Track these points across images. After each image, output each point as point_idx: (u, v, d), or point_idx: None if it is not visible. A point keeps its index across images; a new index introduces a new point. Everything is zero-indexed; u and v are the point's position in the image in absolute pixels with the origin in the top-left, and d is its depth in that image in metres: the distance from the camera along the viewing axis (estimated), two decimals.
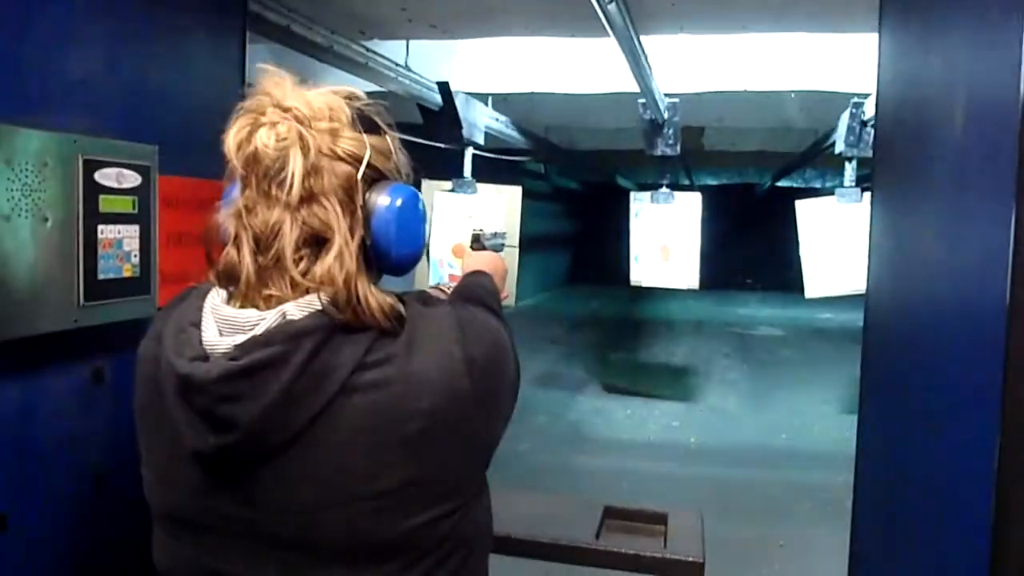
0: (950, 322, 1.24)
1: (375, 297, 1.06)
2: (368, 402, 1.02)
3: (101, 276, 1.75)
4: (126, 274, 1.82)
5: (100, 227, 1.75)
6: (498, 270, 1.67)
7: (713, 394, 8.40)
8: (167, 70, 2.00)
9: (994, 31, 1.11)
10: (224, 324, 1.05)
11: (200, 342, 1.05)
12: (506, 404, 1.17)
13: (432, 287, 1.77)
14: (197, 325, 1.06)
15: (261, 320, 1.03)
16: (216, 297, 1.08)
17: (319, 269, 1.04)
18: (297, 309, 1.03)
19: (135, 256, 1.84)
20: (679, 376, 9.36)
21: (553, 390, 8.31)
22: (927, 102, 1.37)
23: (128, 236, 1.81)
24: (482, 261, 1.67)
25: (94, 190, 1.73)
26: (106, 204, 1.76)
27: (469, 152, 5.04)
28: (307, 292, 1.04)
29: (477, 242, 1.83)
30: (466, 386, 1.07)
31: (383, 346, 1.05)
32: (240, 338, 1.03)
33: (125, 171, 1.80)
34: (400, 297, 1.13)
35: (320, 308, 1.03)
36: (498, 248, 1.85)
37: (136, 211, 1.83)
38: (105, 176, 1.75)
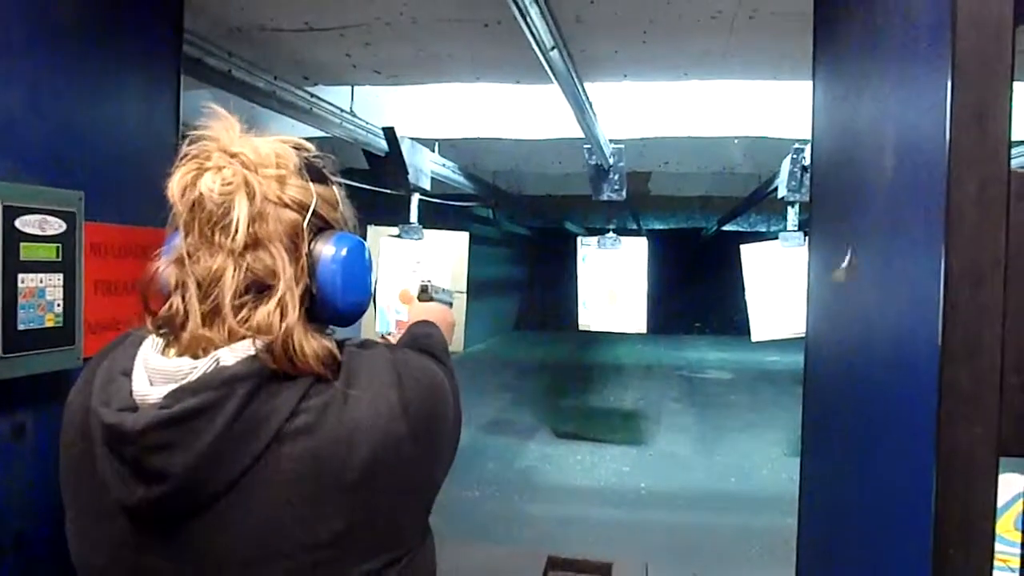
0: (885, 365, 1.26)
1: (311, 344, 1.05)
2: (304, 449, 1.01)
3: (21, 327, 1.70)
4: (49, 324, 1.76)
5: (21, 276, 1.69)
6: (445, 321, 1.68)
7: (663, 438, 8.43)
8: (94, 113, 1.95)
9: (920, 78, 1.15)
10: (155, 374, 1.03)
11: (130, 392, 1.03)
12: (446, 448, 1.16)
13: (382, 338, 1.77)
14: (128, 374, 1.05)
15: (193, 369, 1.01)
16: (151, 346, 1.06)
17: (258, 316, 1.03)
18: (231, 355, 1.02)
19: (58, 305, 1.78)
20: (629, 421, 9.38)
21: (503, 436, 8.28)
22: (859, 148, 1.41)
23: (51, 285, 1.76)
24: (429, 312, 1.67)
25: (15, 237, 1.68)
26: (27, 252, 1.71)
27: (415, 198, 5.04)
28: (243, 339, 1.03)
29: (425, 293, 1.83)
30: (403, 430, 1.06)
31: (319, 392, 1.04)
32: (172, 387, 1.01)
33: (49, 218, 1.75)
34: (339, 343, 1.12)
35: (254, 354, 1.02)
36: (446, 301, 1.86)
37: (60, 259, 1.78)
38: (26, 223, 1.70)
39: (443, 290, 1.91)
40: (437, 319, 1.62)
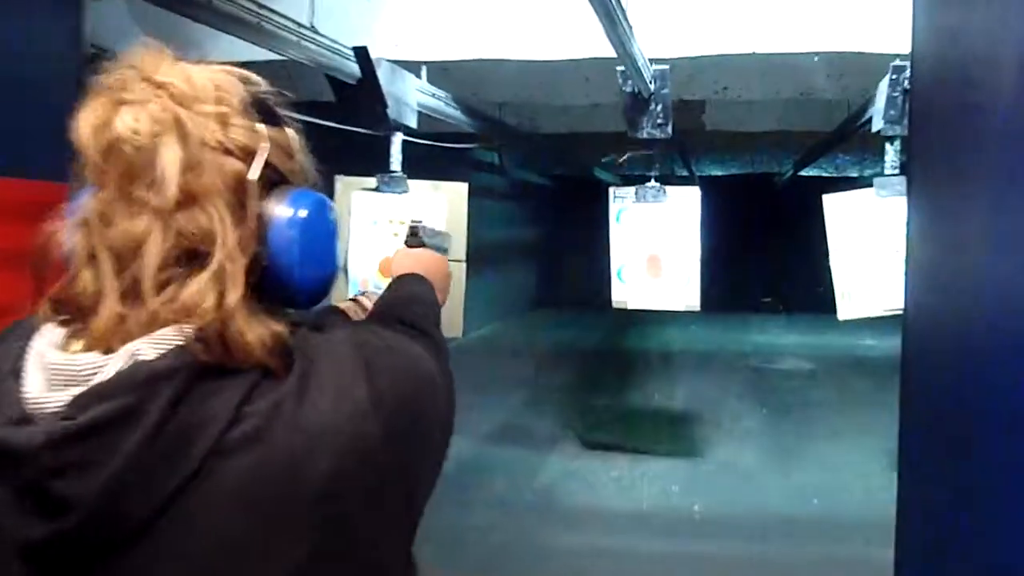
0: (1015, 350, 1.25)
1: (255, 330, 1.06)
2: (251, 463, 1.02)
3: None
4: None
5: None
6: (439, 273, 1.69)
7: (723, 448, 8.45)
8: None
9: None
10: (54, 375, 1.03)
11: (21, 399, 1.02)
12: (432, 454, 1.19)
13: (350, 300, 1.77)
14: (17, 375, 1.04)
15: (104, 366, 1.01)
16: (48, 338, 1.06)
17: (187, 294, 1.04)
18: (151, 347, 1.02)
19: None
20: (679, 425, 9.39)
21: (516, 447, 8.31)
22: (972, 63, 1.40)
23: None
24: (419, 262, 1.68)
25: None
26: None
27: (398, 138, 5.02)
28: (169, 325, 1.03)
29: (415, 237, 1.84)
30: (374, 432, 1.08)
31: (267, 390, 1.05)
32: (76, 391, 1.01)
33: None
34: (294, 323, 1.13)
35: (181, 344, 1.02)
36: (440, 249, 1.86)
37: None
38: None
39: (439, 233, 1.92)
40: (428, 270, 1.63)
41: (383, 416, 1.09)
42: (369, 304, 1.67)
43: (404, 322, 1.29)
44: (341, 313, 1.63)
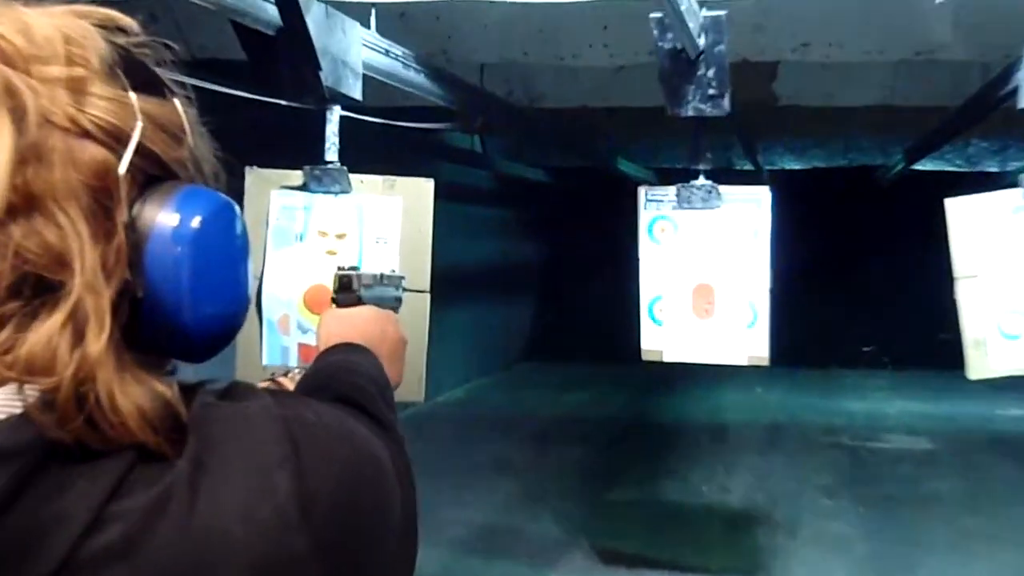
0: None
1: (131, 393, 1.05)
2: None
3: None
4: None
5: None
6: (387, 341, 1.69)
7: (804, 563, 8.45)
8: None
9: None
10: None
11: None
12: (385, 572, 1.17)
13: (268, 379, 1.78)
14: None
15: None
16: None
17: (31, 342, 1.02)
18: None
19: None
20: (738, 531, 9.39)
21: (501, 561, 8.33)
22: None
23: None
24: (356, 328, 1.68)
25: None
26: None
27: (335, 115, 5.04)
28: (1, 384, 1.02)
29: (346, 291, 1.84)
30: (301, 547, 1.08)
31: (145, 482, 1.04)
32: None
33: None
34: (186, 389, 1.12)
35: (20, 412, 1.01)
36: (387, 302, 1.87)
37: None
38: None
39: (382, 280, 1.92)
40: (370, 338, 1.63)
41: (315, 524, 1.08)
42: (291, 386, 1.68)
43: (345, 399, 1.28)
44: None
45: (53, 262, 1.03)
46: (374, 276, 1.92)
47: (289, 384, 1.72)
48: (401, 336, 1.79)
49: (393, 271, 2.26)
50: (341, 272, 1.89)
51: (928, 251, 6.34)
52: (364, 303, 1.84)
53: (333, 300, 1.88)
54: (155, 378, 1.08)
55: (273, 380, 1.78)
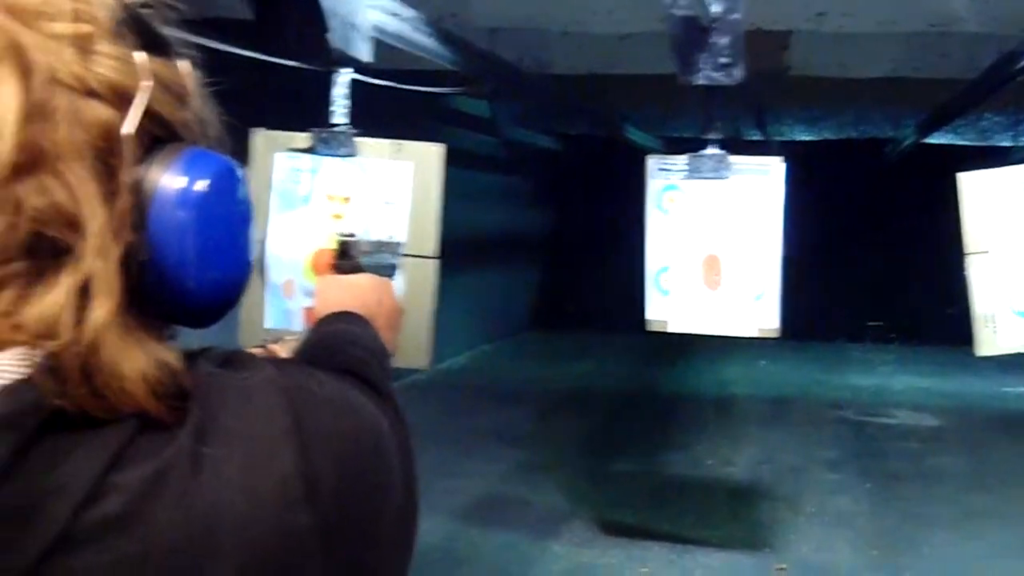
0: None
1: (135, 360, 1.04)
2: (115, 561, 1.00)
3: None
4: None
5: None
6: (385, 308, 1.68)
7: (807, 538, 8.47)
8: None
9: None
10: None
11: None
12: (389, 546, 1.19)
13: (259, 346, 1.77)
14: None
15: None
16: None
17: (33, 303, 1.01)
18: None
19: None
20: (741, 504, 9.43)
21: (504, 530, 8.35)
22: None
23: None
24: (354, 294, 1.68)
25: None
26: None
27: (343, 77, 5.02)
28: (5, 348, 1.01)
29: (345, 257, 1.84)
30: (304, 523, 1.07)
31: (147, 451, 1.03)
32: None
33: None
34: (189, 355, 1.12)
35: (23, 377, 1.00)
36: (385, 270, 1.86)
37: None
38: None
39: (379, 244, 1.92)
40: (367, 306, 1.62)
41: (317, 498, 1.08)
42: (284, 353, 1.67)
43: (345, 369, 1.28)
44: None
45: (62, 222, 1.02)
46: (373, 243, 1.92)
47: (281, 351, 1.72)
48: (397, 305, 1.79)
49: (391, 238, 2.26)
50: (342, 238, 1.89)
51: (937, 225, 6.32)
52: (364, 270, 1.84)
53: (335, 263, 1.88)
54: (159, 344, 1.08)
55: (264, 347, 1.78)
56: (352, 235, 1.88)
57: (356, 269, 1.83)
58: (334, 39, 4.92)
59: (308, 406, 1.12)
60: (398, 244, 1.97)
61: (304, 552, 1.06)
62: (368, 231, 1.86)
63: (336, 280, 1.78)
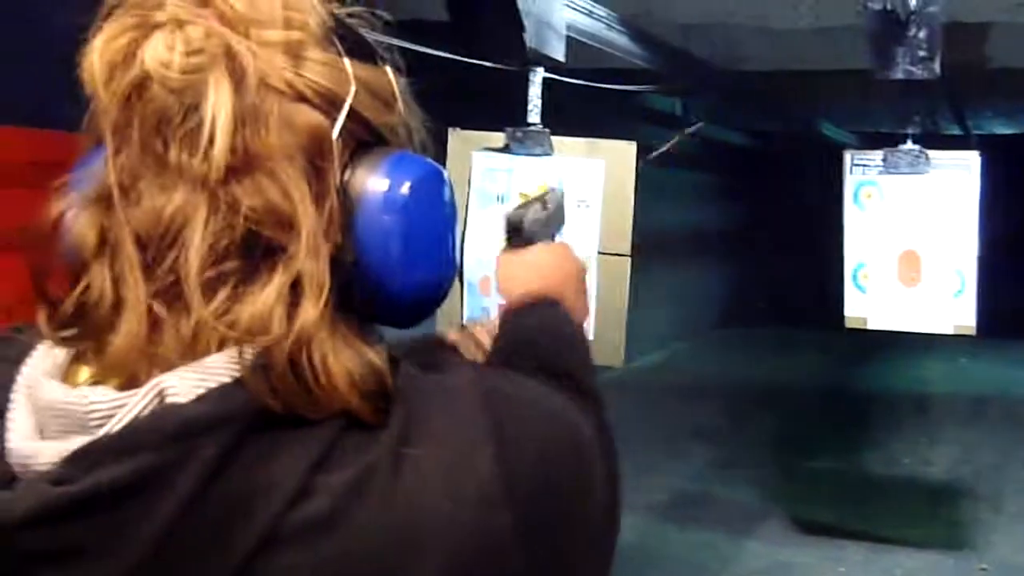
0: None
1: (343, 357, 1.05)
2: (318, 561, 1.01)
3: None
4: None
5: None
6: (569, 278, 1.68)
7: (1009, 538, 8.33)
8: None
9: None
10: (50, 417, 1.03)
11: (2, 450, 1.04)
12: (588, 548, 1.18)
13: (461, 330, 1.77)
14: (1, 415, 1.06)
15: (120, 407, 1.01)
16: (44, 364, 1.07)
17: (247, 303, 1.03)
18: (191, 382, 1.01)
19: None
20: (940, 504, 9.28)
21: (700, 528, 8.33)
22: None
23: None
24: (537, 270, 1.67)
25: None
26: None
27: (538, 77, 5.04)
28: (217, 349, 1.03)
29: (517, 235, 1.81)
30: (505, 524, 1.07)
31: (352, 452, 1.04)
32: (79, 441, 1.00)
33: None
34: (393, 358, 1.12)
35: (232, 379, 1.01)
36: (554, 228, 1.84)
37: None
38: None
39: (546, 213, 1.88)
40: (552, 280, 1.62)
41: (519, 503, 1.07)
42: (486, 338, 1.67)
43: (546, 369, 1.27)
44: (447, 347, 1.63)
45: (277, 223, 1.03)
46: (537, 211, 1.87)
47: (483, 334, 1.70)
48: (580, 266, 1.76)
49: (553, 189, 2.22)
50: (511, 216, 1.86)
51: None
52: (534, 242, 1.80)
53: (507, 242, 1.84)
54: (365, 344, 1.08)
55: (464, 329, 1.77)
56: (520, 207, 1.85)
57: (527, 243, 1.79)
58: (529, 39, 4.93)
59: (507, 408, 1.12)
60: (560, 209, 1.93)
61: (504, 552, 1.05)
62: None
63: (514, 258, 1.76)
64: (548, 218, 1.87)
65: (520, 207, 1.87)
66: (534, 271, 1.67)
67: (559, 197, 1.94)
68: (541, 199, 1.91)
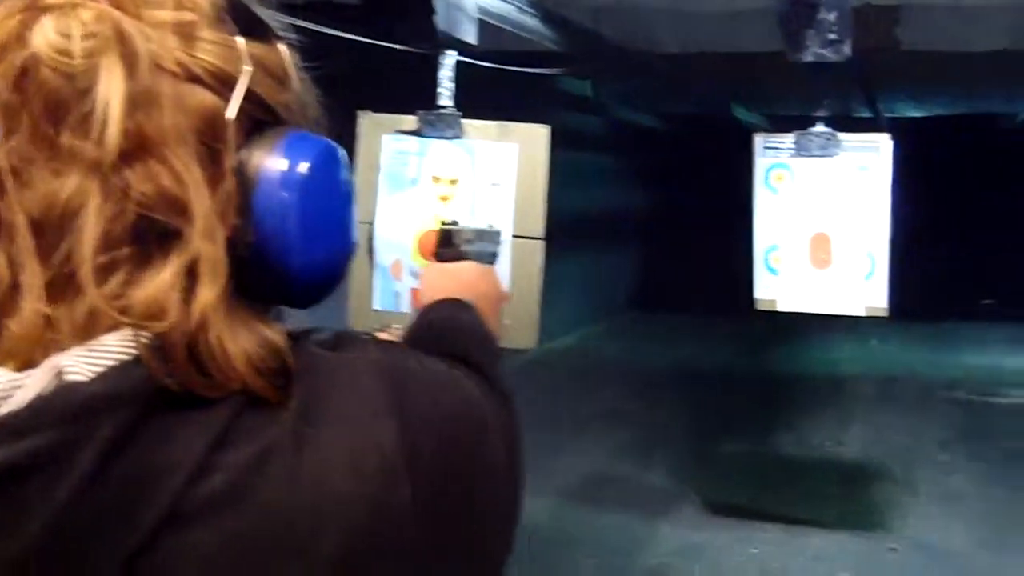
0: None
1: (240, 341, 1.05)
2: (223, 536, 1.01)
3: None
4: None
5: None
6: (490, 296, 1.69)
7: (918, 520, 8.41)
8: None
9: None
10: None
11: None
12: (490, 533, 1.19)
13: (367, 333, 1.78)
14: None
15: (17, 387, 0.99)
16: None
17: (142, 286, 1.02)
18: (87, 362, 1.00)
19: None
20: (852, 484, 9.39)
21: (612, 511, 8.36)
22: None
23: None
24: (459, 281, 1.68)
25: None
26: None
27: (449, 59, 5.03)
28: (113, 329, 1.02)
29: (448, 245, 1.84)
30: (404, 498, 1.07)
31: (252, 429, 1.04)
32: None
33: None
34: (294, 336, 1.12)
35: (130, 358, 1.01)
36: (486, 258, 1.87)
37: None
38: None
39: (483, 234, 1.92)
40: (471, 293, 1.62)
41: (419, 475, 1.08)
42: (393, 340, 1.68)
43: (450, 353, 1.28)
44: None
45: (170, 207, 1.03)
46: (475, 231, 1.93)
47: (390, 338, 1.72)
48: (500, 292, 1.79)
49: (491, 226, 2.26)
50: (444, 227, 1.90)
51: None
52: (466, 258, 1.84)
53: (435, 254, 1.89)
54: (263, 324, 1.08)
55: (372, 336, 1.79)
56: (454, 223, 1.90)
57: (458, 257, 1.83)
58: (440, 21, 4.93)
59: (410, 386, 1.13)
60: (498, 232, 1.97)
61: (403, 524, 1.06)
62: (470, 218, 1.88)
63: (440, 268, 1.79)
64: (480, 238, 1.90)
65: (454, 223, 1.92)
66: (455, 282, 1.68)
67: (497, 236, 1.98)
68: (480, 228, 1.95)
